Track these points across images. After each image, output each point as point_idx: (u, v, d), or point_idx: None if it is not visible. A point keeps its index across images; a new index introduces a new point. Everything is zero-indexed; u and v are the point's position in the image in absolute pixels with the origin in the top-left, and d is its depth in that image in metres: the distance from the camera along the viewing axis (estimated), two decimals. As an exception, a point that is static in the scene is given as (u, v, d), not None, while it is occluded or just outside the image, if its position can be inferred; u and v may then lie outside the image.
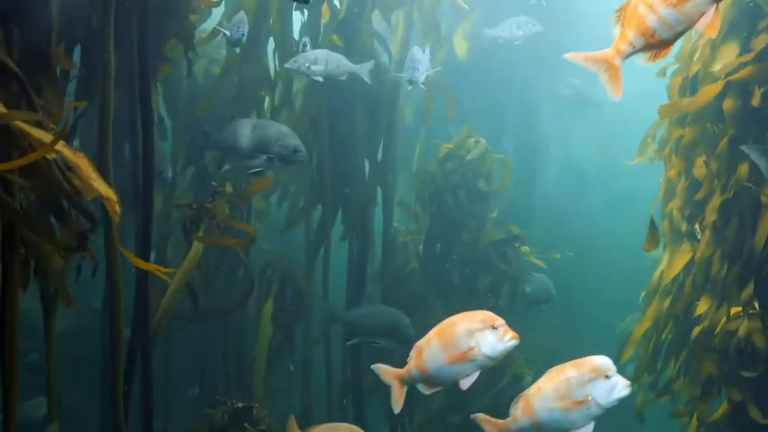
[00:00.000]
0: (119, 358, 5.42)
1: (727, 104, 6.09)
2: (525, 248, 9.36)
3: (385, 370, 4.70)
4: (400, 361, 8.71)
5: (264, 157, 6.81)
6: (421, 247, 9.40)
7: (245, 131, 6.90)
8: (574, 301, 12.09)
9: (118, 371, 5.41)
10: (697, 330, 6.58)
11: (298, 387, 8.85)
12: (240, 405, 6.86)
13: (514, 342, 4.49)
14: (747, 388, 6.23)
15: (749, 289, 6.12)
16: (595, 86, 12.44)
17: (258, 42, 7.90)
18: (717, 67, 6.11)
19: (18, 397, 4.53)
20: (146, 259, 5.62)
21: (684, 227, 6.94)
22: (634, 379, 7.37)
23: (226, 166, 7.01)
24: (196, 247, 6.24)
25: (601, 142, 14.18)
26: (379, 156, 8.58)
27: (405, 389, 4.63)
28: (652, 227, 6.77)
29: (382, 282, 9.11)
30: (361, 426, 8.51)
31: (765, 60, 5.94)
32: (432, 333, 4.56)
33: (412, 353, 4.59)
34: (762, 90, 5.89)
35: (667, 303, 7.22)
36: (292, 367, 8.54)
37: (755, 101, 5.92)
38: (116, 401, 5.39)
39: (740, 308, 6.22)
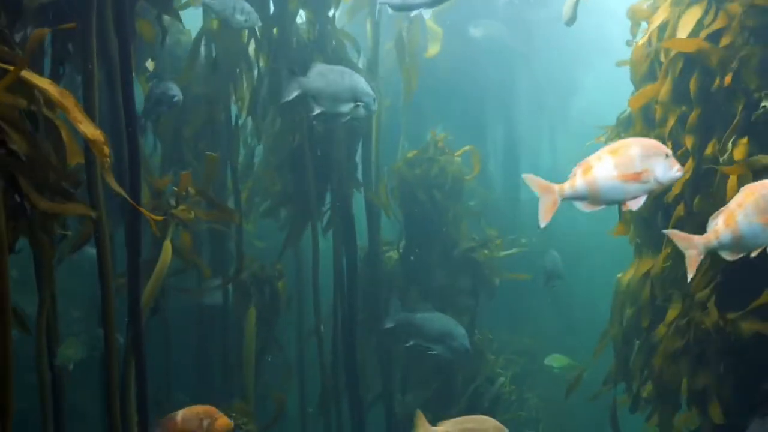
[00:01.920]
0: (113, 352, 5.35)
1: (693, 86, 6.06)
2: (497, 242, 9.37)
3: (537, 181, 4.54)
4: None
5: (353, 104, 6.96)
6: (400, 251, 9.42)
7: (339, 77, 7.04)
8: (555, 302, 12.12)
9: (112, 361, 5.36)
10: (661, 329, 6.49)
11: (292, 383, 8.93)
12: None
13: (680, 174, 4.48)
14: (705, 387, 6.14)
15: (708, 289, 6.03)
16: (513, 33, 12.34)
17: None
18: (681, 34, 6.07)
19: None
20: (137, 233, 5.51)
21: (646, 213, 6.80)
22: (606, 383, 7.36)
23: (318, 111, 7.00)
24: (165, 252, 6.15)
25: (583, 145, 14.24)
26: (358, 156, 8.61)
27: (557, 204, 4.49)
28: (621, 212, 6.77)
29: (368, 282, 9.10)
30: (360, 420, 8.56)
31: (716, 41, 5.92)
32: (603, 152, 4.49)
33: (577, 169, 4.49)
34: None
35: (633, 310, 7.10)
36: (269, 358, 8.45)
37: (715, 84, 5.90)
38: (111, 392, 5.34)
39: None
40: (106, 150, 4.13)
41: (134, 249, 5.55)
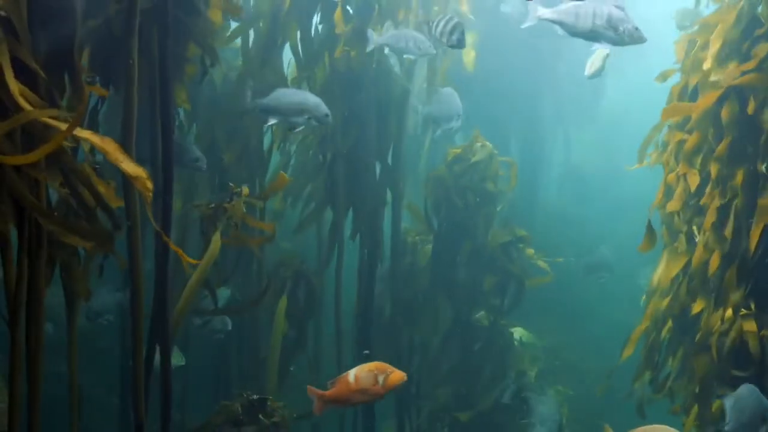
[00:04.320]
0: (140, 350, 5.39)
1: (725, 111, 6.04)
2: (529, 251, 9.29)
3: None
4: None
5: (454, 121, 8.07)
6: (429, 246, 9.32)
7: (452, 97, 8.18)
8: (577, 301, 12.06)
9: (138, 363, 5.39)
10: (698, 333, 6.52)
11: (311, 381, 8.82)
12: (255, 397, 6.84)
13: None
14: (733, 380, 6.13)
15: (741, 291, 6.08)
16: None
17: (273, 47, 7.86)
18: (715, 77, 6.06)
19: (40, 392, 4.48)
20: (167, 256, 5.55)
21: (684, 229, 6.86)
22: (634, 377, 7.43)
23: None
24: (214, 244, 6.21)
25: (601, 147, 14.13)
26: (389, 159, 8.55)
27: None
28: (650, 230, 6.73)
29: (392, 281, 9.04)
30: (370, 418, 8.59)
31: (763, 69, 5.88)
32: None
33: None
34: (758, 99, 5.85)
35: (664, 303, 7.16)
36: (292, 368, 8.40)
37: (750, 109, 5.87)
38: (137, 392, 5.36)
39: (731, 311, 6.16)
40: (149, 184, 4.26)
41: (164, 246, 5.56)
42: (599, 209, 13.87)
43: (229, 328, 8.11)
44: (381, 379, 5.19)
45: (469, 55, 10.64)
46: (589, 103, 13.73)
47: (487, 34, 10.87)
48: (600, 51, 8.44)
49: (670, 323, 7.14)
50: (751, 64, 5.90)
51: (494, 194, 9.01)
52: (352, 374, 5.28)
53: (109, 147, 4.16)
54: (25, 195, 4.18)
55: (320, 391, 5.39)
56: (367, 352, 8.35)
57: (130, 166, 4.23)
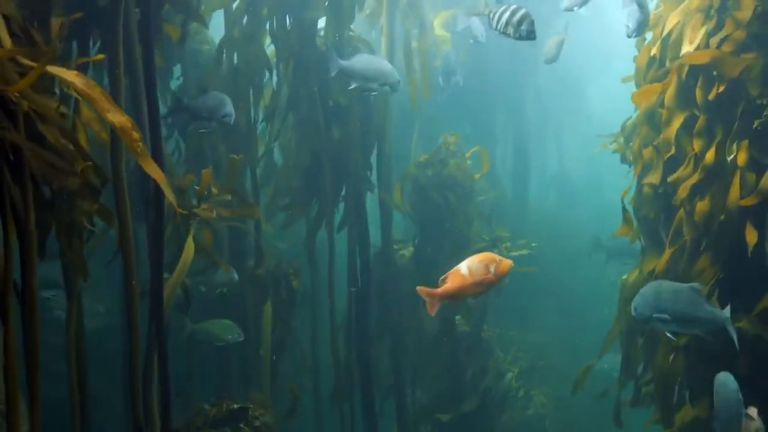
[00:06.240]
0: (137, 344, 5.38)
1: (699, 92, 6.03)
2: (507, 245, 9.35)
3: None
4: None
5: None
6: (412, 248, 9.41)
7: None
8: (562, 301, 12.11)
9: (135, 352, 5.38)
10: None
11: (307, 378, 8.90)
12: (235, 406, 6.93)
13: None
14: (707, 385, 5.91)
15: (711, 281, 6.00)
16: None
17: (257, 22, 7.93)
18: (684, 50, 6.09)
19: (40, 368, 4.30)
20: (160, 231, 5.52)
21: (651, 215, 6.81)
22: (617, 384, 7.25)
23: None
24: (189, 245, 6.20)
25: (589, 152, 14.22)
26: (374, 155, 8.60)
27: None
28: (624, 212, 6.76)
29: (380, 280, 9.05)
30: (370, 417, 8.56)
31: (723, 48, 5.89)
32: None
33: None
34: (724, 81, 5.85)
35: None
36: (274, 357, 8.31)
37: (712, 94, 5.90)
38: (135, 393, 5.38)
39: None
40: (136, 135, 4.05)
41: (157, 245, 5.57)
42: (590, 212, 13.94)
43: (236, 278, 8.09)
44: (493, 268, 5.04)
45: (445, 43, 10.80)
46: (574, 106, 13.93)
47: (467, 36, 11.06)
48: (558, 36, 8.53)
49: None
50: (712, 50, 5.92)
51: (469, 186, 9.10)
52: (464, 267, 5.04)
53: (95, 92, 3.91)
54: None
55: (432, 290, 4.99)
56: (354, 289, 8.35)
57: (116, 116, 3.98)
